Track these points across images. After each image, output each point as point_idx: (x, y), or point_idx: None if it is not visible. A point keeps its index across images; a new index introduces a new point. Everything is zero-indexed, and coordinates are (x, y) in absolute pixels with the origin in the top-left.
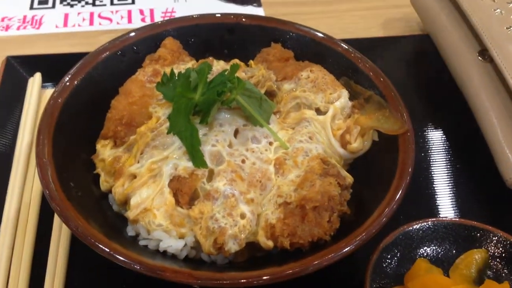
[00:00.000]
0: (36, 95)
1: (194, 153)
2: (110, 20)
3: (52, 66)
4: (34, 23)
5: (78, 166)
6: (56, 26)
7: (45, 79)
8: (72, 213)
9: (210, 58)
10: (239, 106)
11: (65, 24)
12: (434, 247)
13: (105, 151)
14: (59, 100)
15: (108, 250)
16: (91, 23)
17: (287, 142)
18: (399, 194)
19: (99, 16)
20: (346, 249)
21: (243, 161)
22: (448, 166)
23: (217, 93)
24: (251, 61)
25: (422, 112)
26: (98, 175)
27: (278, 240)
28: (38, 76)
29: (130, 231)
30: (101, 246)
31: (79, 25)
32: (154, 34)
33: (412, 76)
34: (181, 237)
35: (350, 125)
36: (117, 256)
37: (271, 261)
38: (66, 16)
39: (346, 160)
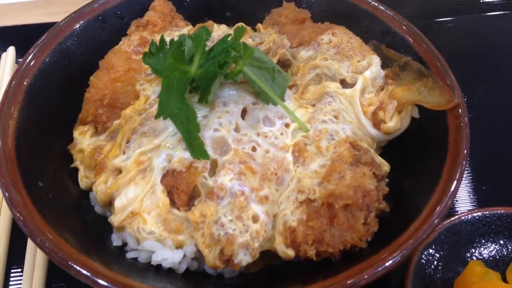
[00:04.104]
0: (10, 72)
1: (192, 141)
2: None
3: (29, 39)
4: None
5: (50, 160)
6: None
7: (20, 54)
8: (38, 222)
9: (210, 22)
10: (246, 80)
11: None
12: (486, 244)
13: (83, 139)
14: (26, 80)
15: (84, 272)
16: None
17: (307, 123)
18: (453, 186)
19: None
20: (390, 261)
21: (253, 149)
22: (500, 147)
23: (219, 65)
24: (259, 25)
25: (471, 82)
26: (76, 170)
27: (300, 249)
28: (11, 51)
29: (116, 240)
30: (75, 266)
31: None
32: None
33: (457, 38)
34: (179, 246)
35: (384, 100)
36: (96, 280)
37: (293, 275)
38: None
39: (380, 142)
